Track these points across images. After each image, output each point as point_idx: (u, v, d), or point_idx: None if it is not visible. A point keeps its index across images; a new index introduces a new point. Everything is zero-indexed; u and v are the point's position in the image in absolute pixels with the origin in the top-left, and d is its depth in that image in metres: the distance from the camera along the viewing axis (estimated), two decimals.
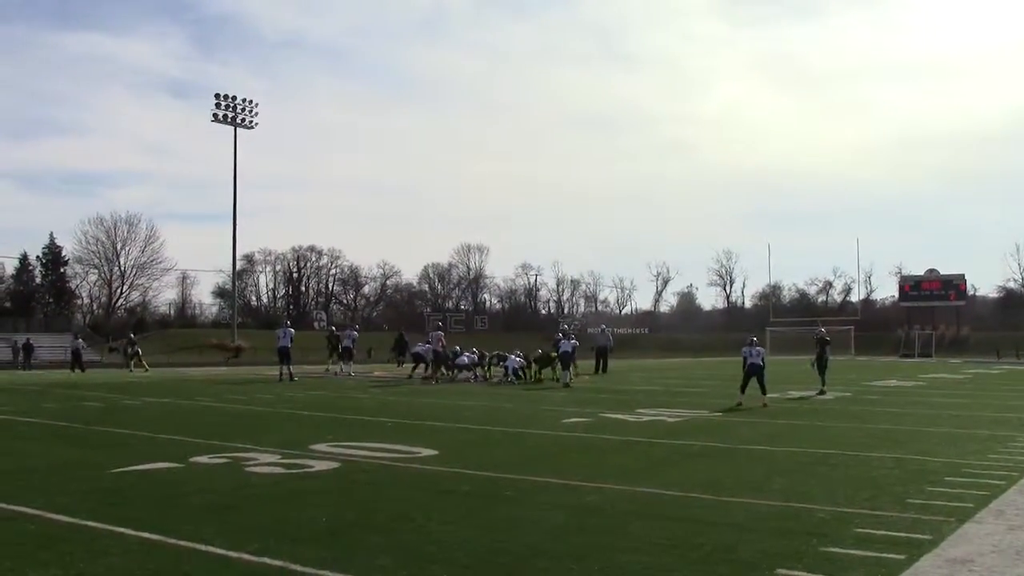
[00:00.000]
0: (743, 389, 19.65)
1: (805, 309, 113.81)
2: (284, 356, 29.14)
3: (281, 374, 29.13)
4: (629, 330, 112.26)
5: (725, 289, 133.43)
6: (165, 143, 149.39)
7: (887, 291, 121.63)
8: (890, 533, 6.81)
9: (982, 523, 7.28)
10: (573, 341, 29.12)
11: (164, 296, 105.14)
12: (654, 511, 7.79)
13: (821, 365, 23.77)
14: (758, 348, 20.08)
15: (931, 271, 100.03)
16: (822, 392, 22.71)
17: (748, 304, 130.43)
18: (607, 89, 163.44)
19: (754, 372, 19.44)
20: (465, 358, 30.94)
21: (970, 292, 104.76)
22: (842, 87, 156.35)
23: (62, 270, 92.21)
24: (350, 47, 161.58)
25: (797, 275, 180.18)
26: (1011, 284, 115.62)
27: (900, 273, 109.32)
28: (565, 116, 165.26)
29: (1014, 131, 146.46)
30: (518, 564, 5.93)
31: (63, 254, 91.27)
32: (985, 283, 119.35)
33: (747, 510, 7.84)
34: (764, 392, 19.41)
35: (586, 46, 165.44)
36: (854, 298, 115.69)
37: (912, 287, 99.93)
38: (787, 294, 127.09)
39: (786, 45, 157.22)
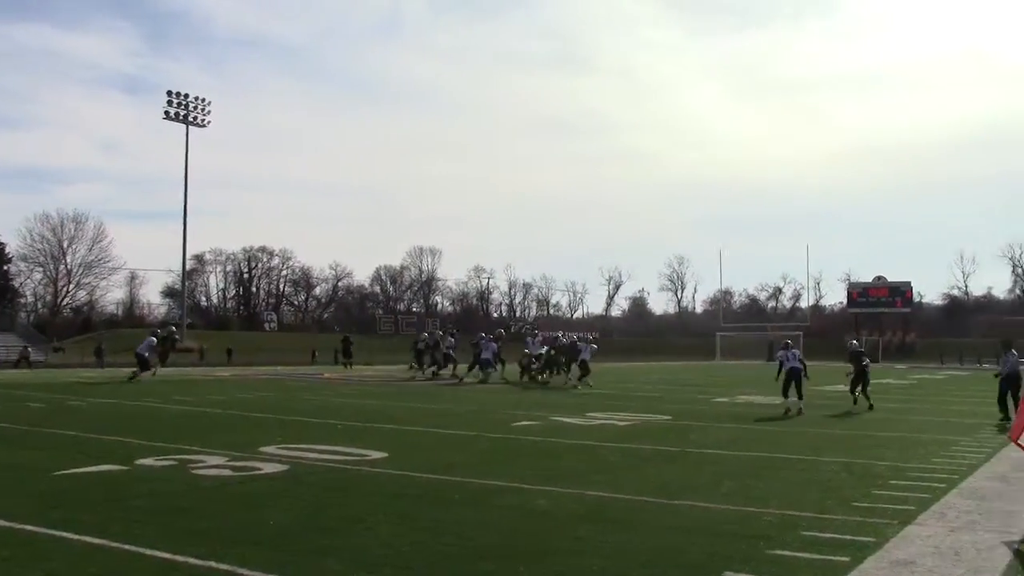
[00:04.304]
0: (785, 394, 19.24)
1: (755, 315, 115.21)
2: (138, 359, 30.27)
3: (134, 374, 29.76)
4: (580, 334, 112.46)
5: (676, 294, 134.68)
6: (115, 140, 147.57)
7: (836, 297, 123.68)
8: (836, 536, 6.90)
9: (924, 525, 7.40)
10: (593, 346, 30.27)
11: (112, 296, 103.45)
12: (604, 514, 7.81)
13: (864, 381, 20.84)
14: (795, 351, 19.78)
15: (879, 278, 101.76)
16: (871, 407, 20.16)
17: (699, 309, 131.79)
18: (563, 93, 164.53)
19: (794, 376, 19.09)
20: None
21: (916, 299, 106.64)
22: (794, 96, 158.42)
23: (5, 268, 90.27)
24: (305, 47, 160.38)
25: (748, 281, 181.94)
26: (955, 292, 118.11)
27: (848, 280, 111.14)
28: (521, 119, 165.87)
29: (961, 142, 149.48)
30: (468, 567, 5.91)
31: (7, 251, 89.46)
32: (931, 290, 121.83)
33: (696, 513, 7.90)
34: (800, 397, 19.04)
35: (543, 51, 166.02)
36: (803, 304, 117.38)
37: (860, 294, 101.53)
38: (738, 300, 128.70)
39: (740, 54, 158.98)
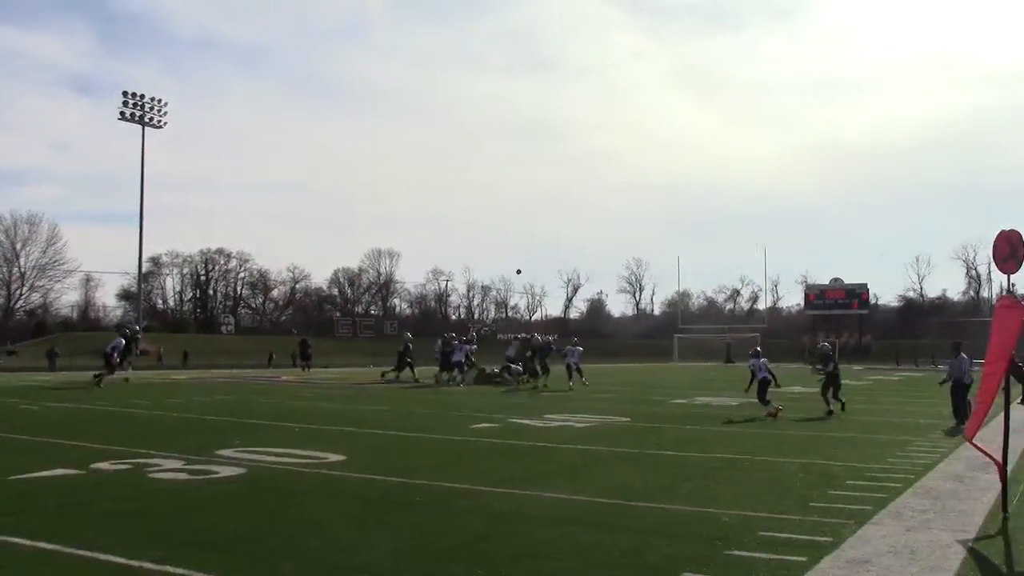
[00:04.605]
0: (764, 401, 19.33)
1: (713, 316, 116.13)
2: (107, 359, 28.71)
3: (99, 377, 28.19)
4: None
5: (634, 296, 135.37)
6: (70, 140, 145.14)
7: (793, 299, 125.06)
8: (793, 536, 6.96)
9: (880, 525, 7.49)
10: (579, 348, 30.43)
11: (66, 299, 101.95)
12: (562, 516, 7.82)
13: (835, 385, 20.06)
14: (764, 360, 19.92)
15: (835, 280, 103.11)
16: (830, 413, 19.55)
17: (657, 311, 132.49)
18: (526, 96, 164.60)
19: (766, 386, 19.44)
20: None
21: (872, 301, 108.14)
22: (754, 100, 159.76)
23: None
24: (266, 49, 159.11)
25: (706, 283, 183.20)
26: (911, 294, 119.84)
27: (806, 282, 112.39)
28: (482, 123, 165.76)
29: (917, 145, 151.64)
30: (428, 570, 5.90)
31: None
32: (887, 292, 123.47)
33: (655, 515, 7.93)
34: (762, 403, 19.26)
35: (507, 54, 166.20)
36: (761, 306, 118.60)
37: (817, 296, 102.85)
38: (695, 302, 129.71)
39: (704, 58, 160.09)
